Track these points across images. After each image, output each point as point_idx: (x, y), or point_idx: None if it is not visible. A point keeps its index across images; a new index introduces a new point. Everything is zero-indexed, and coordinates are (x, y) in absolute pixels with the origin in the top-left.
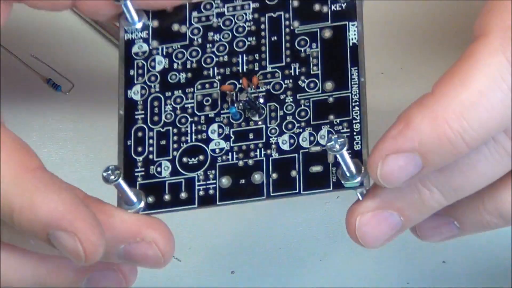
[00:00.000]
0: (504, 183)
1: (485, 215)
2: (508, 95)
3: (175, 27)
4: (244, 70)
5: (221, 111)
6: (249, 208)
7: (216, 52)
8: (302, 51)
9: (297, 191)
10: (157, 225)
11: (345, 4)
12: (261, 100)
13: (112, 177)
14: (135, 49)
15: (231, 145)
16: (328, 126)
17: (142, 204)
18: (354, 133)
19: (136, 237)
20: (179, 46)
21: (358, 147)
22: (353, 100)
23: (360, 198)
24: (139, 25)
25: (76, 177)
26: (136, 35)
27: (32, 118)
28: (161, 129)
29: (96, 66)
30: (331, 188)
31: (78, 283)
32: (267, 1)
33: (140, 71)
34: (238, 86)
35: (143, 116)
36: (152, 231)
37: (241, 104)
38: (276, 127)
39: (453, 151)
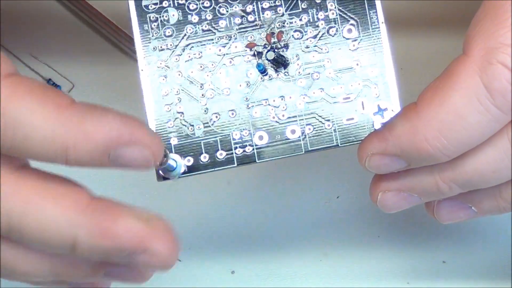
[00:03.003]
0: None
1: (501, 202)
2: (485, 116)
3: None
4: (261, 18)
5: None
6: (249, 208)
7: (229, 0)
8: None
9: (335, 144)
10: (161, 234)
11: None
12: (284, 50)
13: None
14: (145, 1)
15: (261, 98)
16: (356, 74)
17: (183, 168)
18: (383, 80)
19: (139, 249)
20: None
21: (389, 94)
22: (376, 45)
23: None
24: None
25: (77, 176)
26: None
27: None
28: (186, 86)
29: (96, 66)
30: None
31: (96, 276)
32: None
33: (154, 25)
34: (259, 37)
35: (165, 73)
36: (156, 242)
37: (268, 62)
38: (303, 78)
39: (434, 161)
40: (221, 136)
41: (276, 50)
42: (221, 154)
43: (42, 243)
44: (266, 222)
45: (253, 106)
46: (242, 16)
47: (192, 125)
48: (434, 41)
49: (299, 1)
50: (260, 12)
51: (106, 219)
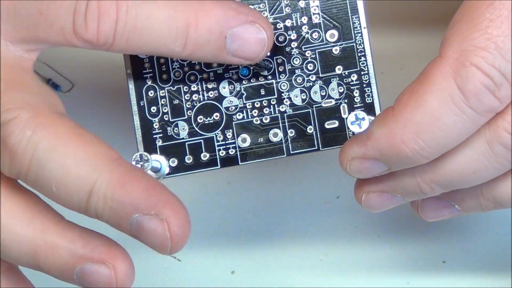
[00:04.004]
0: (501, 176)
1: (483, 201)
2: (460, 117)
3: None
4: None
5: (229, 67)
6: (249, 208)
7: None
8: None
9: (316, 148)
10: (179, 209)
11: None
12: (268, 53)
13: (142, 163)
14: None
15: (244, 102)
16: (338, 78)
17: (167, 169)
18: (364, 85)
19: (151, 209)
20: None
21: (370, 99)
22: (359, 50)
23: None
24: None
25: None
26: None
27: None
28: (171, 87)
29: (96, 66)
30: None
31: (71, 269)
32: None
33: None
34: None
35: (151, 74)
36: (171, 210)
37: (251, 66)
38: (286, 82)
39: (414, 163)
40: (205, 138)
41: None
42: (205, 156)
43: (60, 184)
44: (266, 222)
45: (236, 109)
46: None
47: (177, 127)
48: (435, 40)
49: (283, 6)
50: None
51: (129, 174)
